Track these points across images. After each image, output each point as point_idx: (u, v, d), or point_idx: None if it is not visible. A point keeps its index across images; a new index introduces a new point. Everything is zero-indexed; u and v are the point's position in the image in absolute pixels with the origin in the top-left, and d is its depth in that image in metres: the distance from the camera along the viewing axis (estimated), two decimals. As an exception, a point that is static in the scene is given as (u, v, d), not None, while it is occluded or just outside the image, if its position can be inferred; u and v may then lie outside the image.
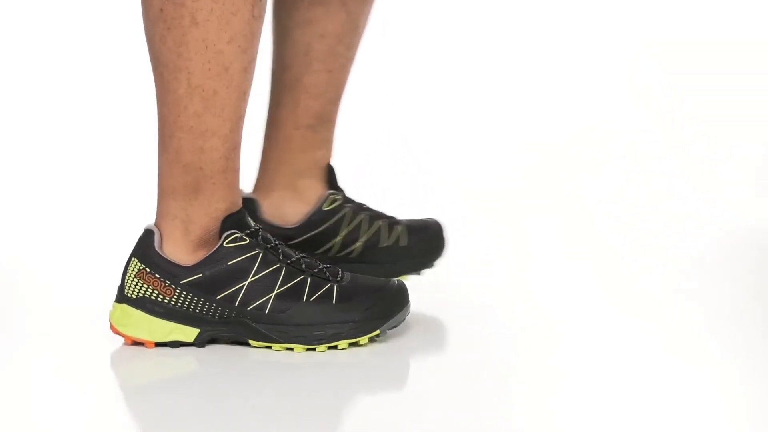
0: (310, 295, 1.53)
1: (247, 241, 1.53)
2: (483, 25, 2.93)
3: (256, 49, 1.52)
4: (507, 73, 2.95)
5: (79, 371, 1.46)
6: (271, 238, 1.56)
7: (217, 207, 1.53)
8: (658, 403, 1.34)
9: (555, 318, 1.72)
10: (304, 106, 1.75)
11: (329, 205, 1.75)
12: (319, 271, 1.55)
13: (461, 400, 1.37)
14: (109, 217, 2.48)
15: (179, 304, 1.53)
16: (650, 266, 2.12)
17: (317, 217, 1.75)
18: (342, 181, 1.81)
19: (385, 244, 1.76)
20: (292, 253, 1.56)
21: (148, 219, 1.60)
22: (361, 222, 1.76)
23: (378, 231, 1.76)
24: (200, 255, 1.53)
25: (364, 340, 1.53)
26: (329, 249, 1.75)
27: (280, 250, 1.55)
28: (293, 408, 1.34)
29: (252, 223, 1.56)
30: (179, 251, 1.54)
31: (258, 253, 1.53)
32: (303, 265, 1.55)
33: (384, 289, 1.55)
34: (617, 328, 1.69)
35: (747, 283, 2.04)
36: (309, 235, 1.75)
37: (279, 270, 1.54)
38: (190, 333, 1.53)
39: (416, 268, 1.78)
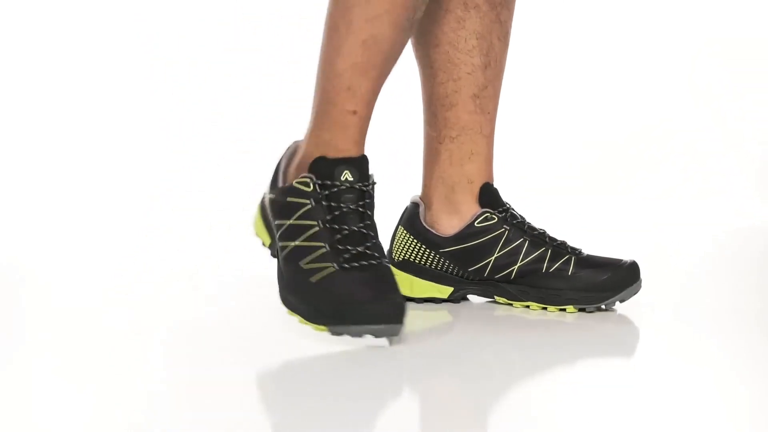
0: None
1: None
2: (548, 25, 2.93)
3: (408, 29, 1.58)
4: (568, 72, 2.95)
5: (79, 371, 1.46)
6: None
7: (319, 135, 1.60)
8: (659, 403, 1.34)
9: (556, 316, 1.72)
10: (442, 119, 1.77)
11: (482, 223, 1.76)
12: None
13: (458, 404, 1.37)
14: (109, 217, 2.48)
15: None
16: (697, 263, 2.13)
17: (468, 231, 1.76)
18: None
19: (545, 272, 1.74)
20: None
21: (148, 219, 1.60)
22: (519, 245, 1.75)
23: (539, 257, 1.75)
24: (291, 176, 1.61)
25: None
26: (483, 267, 1.76)
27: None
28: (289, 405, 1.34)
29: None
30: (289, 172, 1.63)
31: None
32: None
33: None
34: (619, 327, 1.69)
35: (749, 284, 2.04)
36: (458, 247, 1.76)
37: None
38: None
39: (582, 302, 1.74)
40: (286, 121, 2.67)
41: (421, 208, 1.79)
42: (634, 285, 1.74)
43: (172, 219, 2.44)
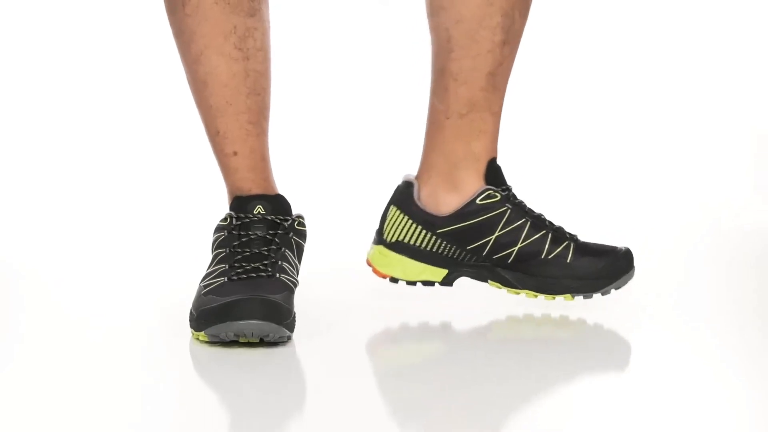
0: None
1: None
2: (536, 20, 2.90)
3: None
4: (559, 64, 2.92)
5: (78, 371, 1.47)
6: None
7: (225, 182, 1.70)
8: (660, 402, 1.34)
9: (555, 315, 1.72)
10: (453, 93, 1.71)
11: (484, 200, 1.72)
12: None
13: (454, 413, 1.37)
14: (109, 217, 2.48)
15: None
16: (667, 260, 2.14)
17: (469, 209, 1.72)
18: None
19: (545, 256, 1.72)
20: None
21: (149, 219, 1.61)
22: (520, 225, 1.72)
23: (540, 240, 1.72)
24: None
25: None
26: (483, 246, 1.72)
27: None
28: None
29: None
30: None
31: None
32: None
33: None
34: (620, 326, 1.70)
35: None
36: (458, 226, 1.72)
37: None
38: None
39: (580, 290, 1.72)
40: (287, 121, 2.67)
41: (415, 187, 1.74)
42: (629, 273, 1.73)
43: (172, 219, 2.44)
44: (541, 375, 1.49)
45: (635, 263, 1.74)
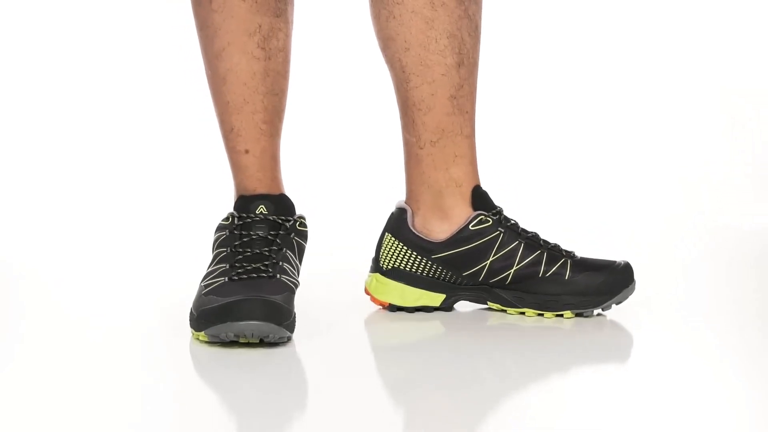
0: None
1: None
2: (518, 17, 2.90)
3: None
4: (547, 65, 2.91)
5: (77, 372, 1.47)
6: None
7: (233, 179, 1.70)
8: (659, 401, 1.34)
9: (552, 322, 1.72)
10: (420, 123, 1.72)
11: (476, 225, 1.72)
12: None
13: (449, 415, 1.37)
14: (109, 217, 2.48)
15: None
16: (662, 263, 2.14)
17: (462, 235, 1.72)
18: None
19: (542, 276, 1.71)
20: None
21: (149, 219, 1.61)
22: (514, 248, 1.72)
23: (535, 261, 1.72)
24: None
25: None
26: (479, 272, 1.73)
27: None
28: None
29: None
30: None
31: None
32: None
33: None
34: (619, 325, 1.70)
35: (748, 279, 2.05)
36: (453, 252, 1.72)
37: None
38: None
39: (579, 306, 1.72)
40: (292, 122, 2.67)
41: (409, 214, 1.75)
42: (630, 287, 1.73)
43: (173, 219, 2.44)
44: (539, 373, 1.49)
45: (635, 276, 1.74)
